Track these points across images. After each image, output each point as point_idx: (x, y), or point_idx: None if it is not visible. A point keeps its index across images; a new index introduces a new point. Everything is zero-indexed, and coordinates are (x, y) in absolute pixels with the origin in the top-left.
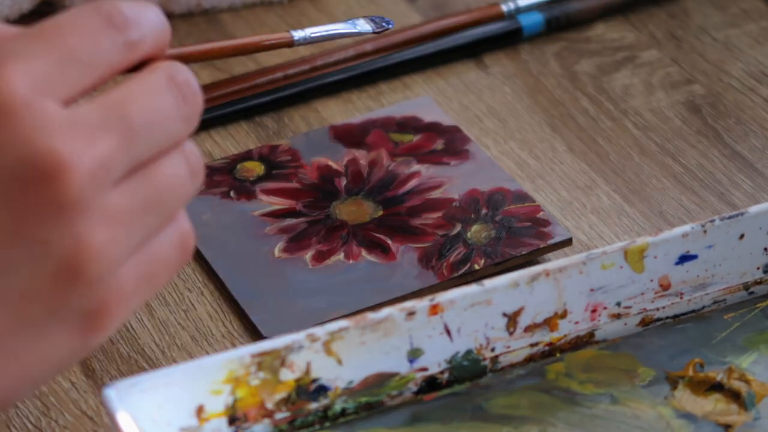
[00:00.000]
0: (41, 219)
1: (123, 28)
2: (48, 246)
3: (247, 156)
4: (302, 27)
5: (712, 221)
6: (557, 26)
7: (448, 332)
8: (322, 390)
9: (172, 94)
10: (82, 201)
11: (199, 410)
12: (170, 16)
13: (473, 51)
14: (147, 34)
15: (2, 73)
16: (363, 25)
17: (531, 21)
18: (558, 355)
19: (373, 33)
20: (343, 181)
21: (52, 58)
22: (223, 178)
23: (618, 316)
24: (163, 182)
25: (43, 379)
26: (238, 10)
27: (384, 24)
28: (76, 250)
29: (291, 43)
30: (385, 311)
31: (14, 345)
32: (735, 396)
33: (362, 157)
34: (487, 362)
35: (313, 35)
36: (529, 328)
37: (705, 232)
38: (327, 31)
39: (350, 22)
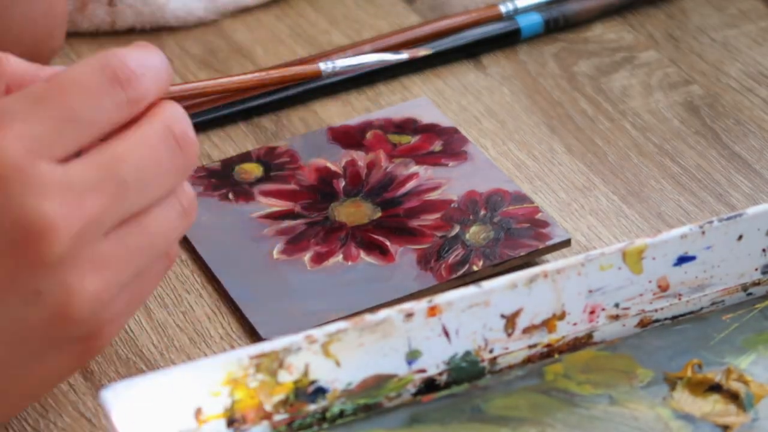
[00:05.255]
0: (32, 273)
1: (127, 84)
2: (40, 296)
3: (245, 158)
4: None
5: (711, 222)
6: (555, 27)
7: (446, 334)
8: (321, 392)
9: (169, 146)
10: (69, 256)
11: (198, 412)
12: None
13: (471, 52)
14: (150, 88)
15: None
16: (391, 55)
17: (529, 22)
18: (556, 356)
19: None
20: (342, 183)
21: (51, 119)
22: (222, 180)
23: (616, 317)
24: (154, 227)
25: (43, 394)
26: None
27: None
28: (67, 298)
29: (319, 74)
30: (384, 313)
31: (15, 373)
32: (733, 397)
33: (360, 158)
34: (485, 363)
35: (341, 66)
36: (527, 330)
37: (703, 233)
38: (357, 62)
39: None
